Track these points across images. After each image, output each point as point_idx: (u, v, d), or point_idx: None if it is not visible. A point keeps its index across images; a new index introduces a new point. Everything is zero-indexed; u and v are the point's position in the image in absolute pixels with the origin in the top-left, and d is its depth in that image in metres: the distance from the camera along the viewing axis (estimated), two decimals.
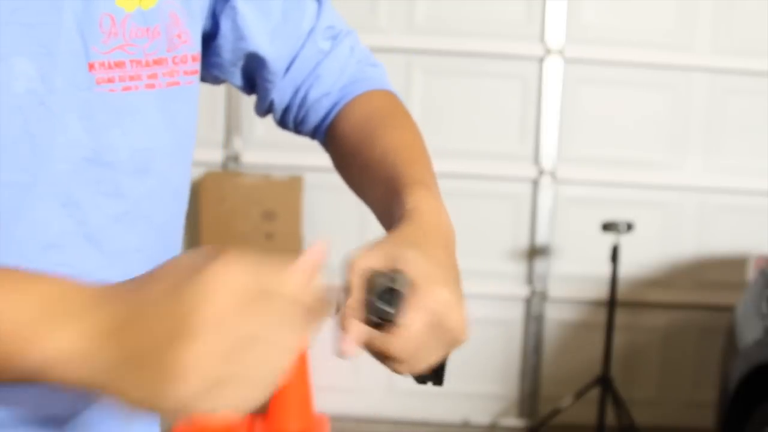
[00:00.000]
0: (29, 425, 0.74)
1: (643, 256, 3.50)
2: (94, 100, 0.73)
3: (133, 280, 0.59)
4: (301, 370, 3.30)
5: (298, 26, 0.92)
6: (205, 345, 0.54)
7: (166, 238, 0.84)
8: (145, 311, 0.56)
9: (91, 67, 0.72)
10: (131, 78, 0.75)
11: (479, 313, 3.55)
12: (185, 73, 0.80)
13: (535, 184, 3.50)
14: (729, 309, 2.88)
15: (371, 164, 0.86)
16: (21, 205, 0.71)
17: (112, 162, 0.75)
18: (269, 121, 0.99)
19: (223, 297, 0.54)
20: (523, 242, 3.54)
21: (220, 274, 0.55)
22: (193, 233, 3.34)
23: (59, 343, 0.56)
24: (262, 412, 3.47)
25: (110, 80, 0.74)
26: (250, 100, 0.97)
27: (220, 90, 2.95)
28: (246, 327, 0.55)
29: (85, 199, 0.74)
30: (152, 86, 0.77)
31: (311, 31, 0.93)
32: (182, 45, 0.79)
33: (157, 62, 0.77)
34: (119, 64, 0.74)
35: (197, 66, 0.82)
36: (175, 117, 0.80)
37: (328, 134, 0.95)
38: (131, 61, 0.75)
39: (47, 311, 0.57)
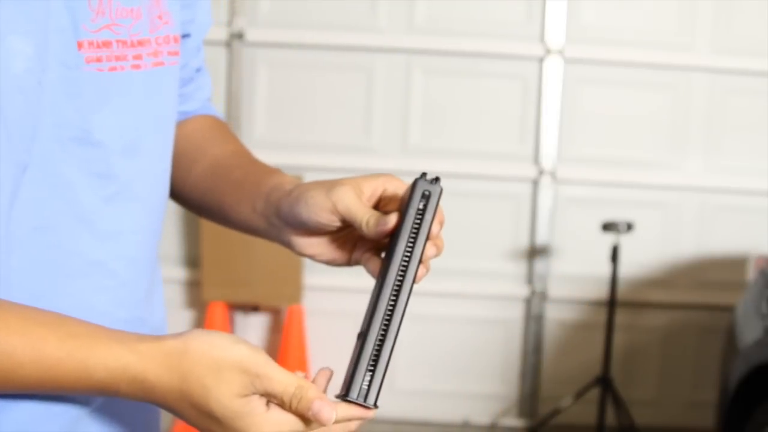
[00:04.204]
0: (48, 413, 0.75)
1: (643, 256, 3.50)
2: (82, 79, 0.72)
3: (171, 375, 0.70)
4: (300, 370, 3.30)
5: (198, 36, 0.95)
6: None
7: (156, 220, 0.84)
8: None
9: (80, 45, 0.71)
10: (117, 58, 0.74)
11: (479, 313, 3.55)
12: (169, 53, 0.80)
13: (535, 184, 3.50)
14: (729, 309, 2.88)
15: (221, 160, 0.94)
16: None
17: (101, 141, 0.74)
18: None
19: None
20: (523, 242, 3.54)
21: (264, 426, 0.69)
22: (193, 233, 3.34)
23: None
24: None
25: (98, 59, 0.73)
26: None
27: (220, 89, 2.93)
28: None
29: (75, 179, 0.74)
30: (138, 67, 0.76)
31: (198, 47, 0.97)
32: (163, 26, 0.80)
33: (141, 43, 0.76)
34: (106, 44, 0.73)
35: (179, 47, 0.83)
36: (160, 98, 0.80)
37: None
38: (117, 41, 0.74)
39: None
